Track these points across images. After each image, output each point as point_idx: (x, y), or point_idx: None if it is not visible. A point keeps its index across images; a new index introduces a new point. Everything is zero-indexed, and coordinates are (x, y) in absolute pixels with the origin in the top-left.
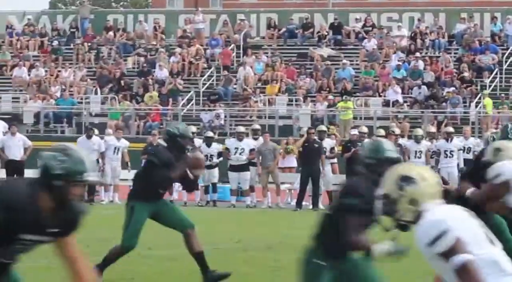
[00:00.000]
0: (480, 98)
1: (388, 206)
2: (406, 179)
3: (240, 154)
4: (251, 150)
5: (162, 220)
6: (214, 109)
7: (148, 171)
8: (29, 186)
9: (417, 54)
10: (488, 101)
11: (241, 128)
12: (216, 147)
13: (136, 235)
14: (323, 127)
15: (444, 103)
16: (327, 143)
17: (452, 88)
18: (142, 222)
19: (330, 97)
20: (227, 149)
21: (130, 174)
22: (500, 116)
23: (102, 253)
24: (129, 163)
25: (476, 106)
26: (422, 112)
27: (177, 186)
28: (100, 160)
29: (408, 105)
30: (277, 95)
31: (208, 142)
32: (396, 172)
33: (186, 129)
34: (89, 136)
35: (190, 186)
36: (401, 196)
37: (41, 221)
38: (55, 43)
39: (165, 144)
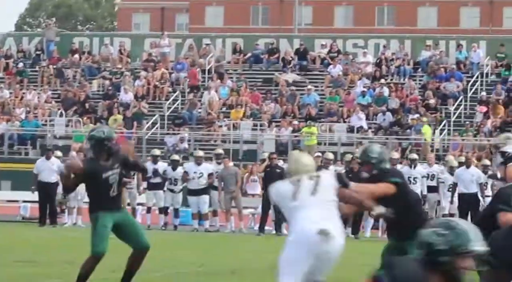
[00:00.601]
0: (444, 125)
1: None
2: None
3: (198, 178)
4: (210, 174)
5: (120, 233)
6: (178, 133)
7: None
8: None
9: (382, 80)
10: (426, 129)
11: (200, 153)
12: (180, 171)
13: (103, 240)
14: None
15: (408, 130)
16: None
17: (417, 115)
18: (108, 227)
19: (295, 122)
20: (186, 172)
21: None
22: (464, 143)
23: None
24: None
25: (441, 133)
26: (387, 138)
27: (140, 209)
28: (59, 182)
29: (372, 132)
30: (241, 120)
31: (174, 165)
32: None
33: (111, 131)
34: (48, 158)
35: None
36: None
37: None
38: (20, 65)
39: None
